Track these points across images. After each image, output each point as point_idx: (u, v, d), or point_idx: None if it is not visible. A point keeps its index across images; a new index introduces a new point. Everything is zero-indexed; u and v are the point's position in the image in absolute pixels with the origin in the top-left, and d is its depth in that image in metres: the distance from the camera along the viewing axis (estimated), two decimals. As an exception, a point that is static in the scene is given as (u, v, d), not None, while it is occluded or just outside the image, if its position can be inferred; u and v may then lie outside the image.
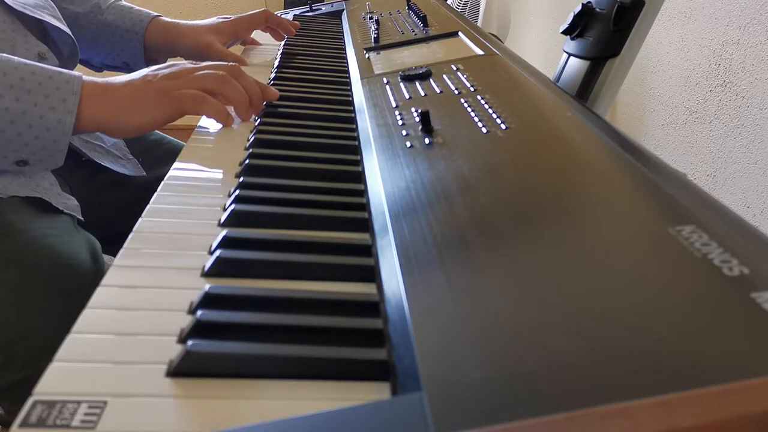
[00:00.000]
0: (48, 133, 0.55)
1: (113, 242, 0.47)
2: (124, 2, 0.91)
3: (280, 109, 0.66)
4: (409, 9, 1.01)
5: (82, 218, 0.63)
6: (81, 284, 0.56)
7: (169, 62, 0.64)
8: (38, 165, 0.58)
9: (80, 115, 0.56)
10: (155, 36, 0.88)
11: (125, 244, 0.41)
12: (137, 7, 0.91)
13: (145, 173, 0.77)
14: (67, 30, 0.76)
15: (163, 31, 0.88)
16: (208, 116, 0.62)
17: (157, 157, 0.82)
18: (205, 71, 0.62)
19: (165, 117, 0.60)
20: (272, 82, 0.76)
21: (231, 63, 0.65)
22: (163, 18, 0.90)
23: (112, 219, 0.67)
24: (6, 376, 0.52)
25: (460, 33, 0.81)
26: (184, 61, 0.64)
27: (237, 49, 0.96)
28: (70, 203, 0.63)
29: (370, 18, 1.00)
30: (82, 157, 0.71)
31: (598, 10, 0.61)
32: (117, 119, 0.58)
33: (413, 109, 0.56)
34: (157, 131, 0.89)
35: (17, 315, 0.53)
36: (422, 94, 0.60)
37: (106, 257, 0.64)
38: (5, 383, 0.52)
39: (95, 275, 0.59)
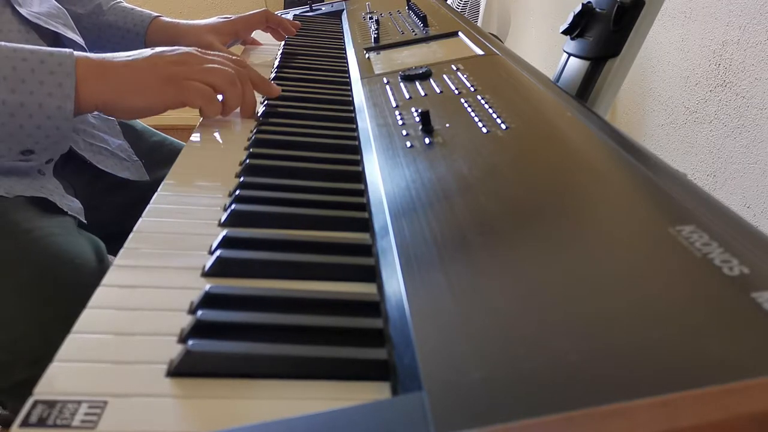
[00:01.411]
0: (49, 120, 0.54)
1: (114, 242, 0.47)
2: (125, 3, 0.91)
3: (280, 109, 0.66)
4: (409, 9, 1.01)
5: (86, 221, 0.63)
6: (86, 283, 0.55)
7: (176, 47, 0.62)
8: (44, 153, 0.57)
9: (78, 96, 0.55)
10: (156, 36, 0.88)
11: (125, 244, 0.41)
12: (138, 8, 0.91)
13: (148, 178, 0.77)
14: (80, 40, 0.76)
15: (163, 31, 0.88)
16: (207, 116, 0.61)
17: (159, 159, 0.82)
18: (214, 65, 0.60)
19: (167, 104, 0.58)
20: (272, 81, 0.76)
21: (239, 58, 0.64)
22: (163, 18, 0.90)
23: (114, 219, 0.67)
24: (11, 376, 0.52)
25: (460, 33, 0.81)
26: (191, 48, 0.63)
27: (237, 49, 0.96)
28: (74, 206, 0.62)
29: (370, 18, 1.00)
30: (86, 161, 0.71)
31: (598, 10, 0.61)
32: (117, 99, 0.57)
33: (413, 109, 0.56)
34: (158, 132, 0.89)
35: (22, 314, 0.52)
36: (422, 94, 0.60)
37: (109, 257, 0.64)
38: (11, 383, 0.52)
39: (100, 275, 0.58)
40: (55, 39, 0.73)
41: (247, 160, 0.53)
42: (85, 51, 0.76)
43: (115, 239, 0.47)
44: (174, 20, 0.90)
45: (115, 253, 0.40)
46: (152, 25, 0.88)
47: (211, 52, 0.63)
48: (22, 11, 0.68)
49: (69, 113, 0.55)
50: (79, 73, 0.55)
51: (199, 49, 0.63)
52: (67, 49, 0.56)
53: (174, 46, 0.88)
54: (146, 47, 0.87)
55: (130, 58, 0.58)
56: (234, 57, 0.65)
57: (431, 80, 0.64)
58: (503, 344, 0.26)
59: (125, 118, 0.62)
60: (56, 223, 0.59)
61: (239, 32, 0.93)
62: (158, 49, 0.60)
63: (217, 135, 0.62)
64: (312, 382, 0.30)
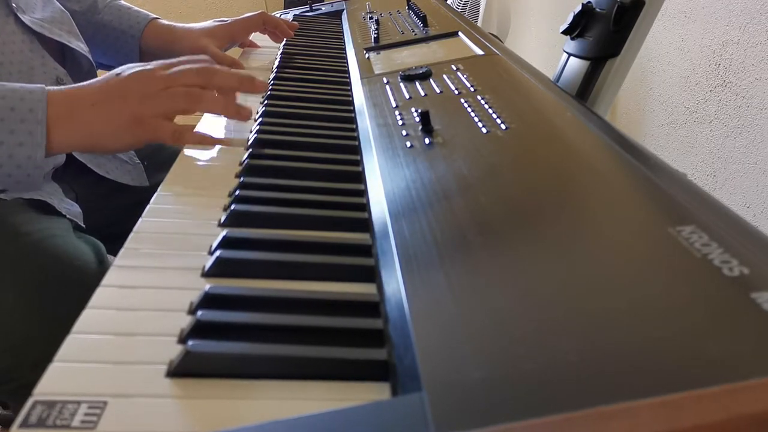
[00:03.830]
0: (19, 170, 0.54)
1: (114, 243, 0.47)
2: (122, 2, 0.90)
3: (280, 109, 0.66)
4: (409, 9, 1.01)
5: (84, 226, 0.63)
6: (87, 285, 0.55)
7: (139, 66, 0.58)
8: (16, 192, 0.57)
9: (50, 142, 0.54)
10: (151, 39, 0.87)
11: (125, 244, 0.41)
12: (135, 8, 0.90)
13: (147, 184, 0.77)
14: (85, 47, 0.76)
15: (159, 35, 0.87)
16: (189, 144, 0.59)
17: (160, 161, 0.81)
18: (177, 88, 0.57)
19: (139, 143, 0.57)
20: (272, 82, 0.76)
21: (202, 58, 0.61)
22: (160, 21, 0.89)
23: (115, 221, 0.67)
24: (16, 379, 0.52)
25: (460, 33, 0.81)
26: (155, 64, 0.59)
27: (236, 52, 0.95)
28: (73, 210, 0.62)
29: (370, 18, 1.00)
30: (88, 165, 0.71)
31: (598, 10, 0.61)
32: (89, 143, 0.57)
33: (413, 109, 0.56)
34: None
35: (25, 317, 0.52)
36: (422, 94, 0.60)
37: (109, 257, 0.64)
38: (15, 385, 0.52)
39: (101, 275, 0.58)
40: (60, 48, 0.73)
41: (247, 160, 0.53)
42: (89, 59, 0.76)
43: (115, 240, 0.47)
44: (170, 23, 0.89)
45: (115, 253, 0.40)
46: (148, 27, 0.87)
47: (176, 66, 0.59)
48: (25, 19, 0.67)
49: (40, 162, 0.54)
50: (50, 116, 0.53)
51: (164, 64, 0.59)
52: (38, 88, 0.54)
53: (169, 49, 0.87)
54: (142, 50, 0.87)
55: (96, 93, 0.56)
56: (200, 61, 0.61)
57: (431, 80, 0.64)
58: (503, 344, 0.26)
59: (101, 153, 0.61)
60: (56, 224, 0.59)
61: (235, 36, 0.92)
62: (125, 74, 0.57)
63: (217, 135, 0.62)
64: (312, 382, 0.30)
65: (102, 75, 0.60)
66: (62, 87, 0.57)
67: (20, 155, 0.53)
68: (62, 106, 0.55)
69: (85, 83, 0.58)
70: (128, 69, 0.58)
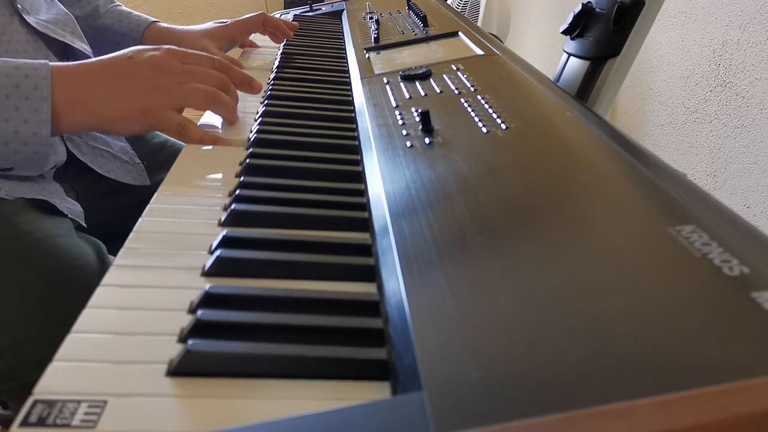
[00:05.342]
0: (26, 147, 0.54)
1: (115, 242, 0.47)
2: (122, 7, 0.91)
3: (280, 109, 0.66)
4: (409, 9, 1.01)
5: (85, 225, 0.63)
6: (88, 284, 0.55)
7: (151, 50, 0.59)
8: (24, 171, 0.57)
9: (59, 124, 0.54)
10: (152, 41, 0.88)
11: (125, 244, 0.41)
12: (135, 12, 0.91)
13: (149, 183, 0.77)
14: (88, 48, 0.76)
15: (159, 37, 0.88)
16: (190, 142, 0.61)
17: (161, 161, 0.81)
18: (194, 84, 0.59)
19: (146, 130, 0.60)
20: (272, 82, 0.76)
21: (220, 59, 0.63)
22: (160, 23, 0.90)
23: (115, 220, 0.67)
24: (16, 378, 0.52)
25: (460, 33, 0.81)
26: (171, 54, 0.60)
27: (236, 53, 0.95)
28: (74, 209, 0.62)
29: (370, 18, 1.00)
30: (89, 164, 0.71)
31: (598, 10, 0.61)
32: (97, 126, 0.58)
33: (413, 109, 0.56)
34: (160, 134, 0.89)
35: (26, 316, 0.52)
36: (422, 94, 0.60)
37: (110, 257, 0.64)
38: (16, 384, 0.52)
39: (102, 275, 0.58)
40: (63, 48, 0.73)
41: (247, 160, 0.53)
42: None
43: (115, 240, 0.47)
44: (170, 26, 0.90)
45: (115, 253, 0.40)
46: (148, 30, 0.88)
47: (192, 53, 0.61)
48: (30, 20, 0.68)
49: (45, 138, 0.54)
50: (60, 103, 0.54)
51: (178, 53, 0.60)
52: (42, 64, 0.54)
53: None
54: None
55: (109, 80, 0.57)
56: (216, 59, 0.63)
57: (431, 80, 0.64)
58: (503, 344, 0.26)
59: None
60: (57, 224, 0.59)
61: (235, 36, 0.92)
62: (137, 58, 0.58)
63: (217, 134, 0.62)
64: (312, 382, 0.30)
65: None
66: (68, 63, 0.57)
67: (26, 132, 0.53)
68: (73, 89, 0.55)
69: (93, 60, 0.58)
70: (140, 52, 0.59)
